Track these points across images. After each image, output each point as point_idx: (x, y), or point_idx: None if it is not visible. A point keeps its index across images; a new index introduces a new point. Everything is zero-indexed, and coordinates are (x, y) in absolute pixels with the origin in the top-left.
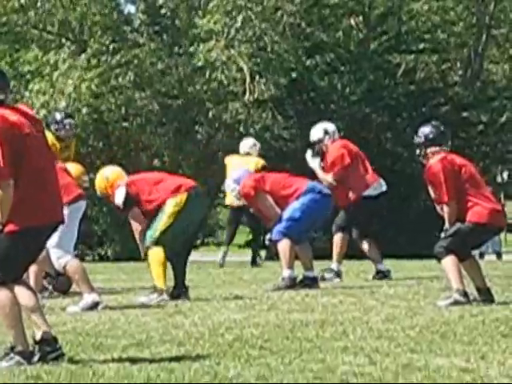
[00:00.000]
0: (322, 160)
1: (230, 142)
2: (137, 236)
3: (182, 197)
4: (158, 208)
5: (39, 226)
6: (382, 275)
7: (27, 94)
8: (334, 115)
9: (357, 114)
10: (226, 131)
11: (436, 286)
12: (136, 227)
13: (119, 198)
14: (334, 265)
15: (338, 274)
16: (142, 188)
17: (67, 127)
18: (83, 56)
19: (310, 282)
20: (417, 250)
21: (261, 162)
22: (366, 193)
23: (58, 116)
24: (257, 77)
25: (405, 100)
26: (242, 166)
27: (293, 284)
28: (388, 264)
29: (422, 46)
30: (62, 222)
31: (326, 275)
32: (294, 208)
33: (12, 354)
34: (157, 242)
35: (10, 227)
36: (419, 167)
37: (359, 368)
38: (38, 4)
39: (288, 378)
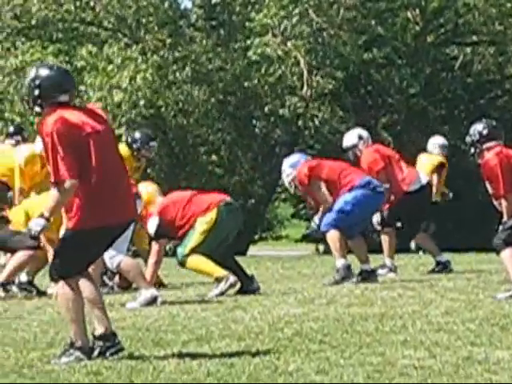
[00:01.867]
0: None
1: (288, 136)
2: (150, 267)
3: (212, 214)
4: (190, 228)
5: (107, 226)
6: (443, 266)
7: (83, 88)
8: (392, 108)
9: (414, 107)
10: (283, 126)
11: (495, 279)
12: (153, 257)
13: (151, 228)
14: (386, 260)
15: (391, 269)
16: (174, 214)
17: (151, 149)
18: (137, 47)
19: (368, 275)
20: (476, 244)
21: (438, 159)
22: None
23: (144, 137)
24: (314, 71)
25: (462, 93)
26: (423, 163)
27: (348, 273)
28: (447, 257)
29: (478, 38)
30: (134, 220)
31: (380, 271)
32: (345, 200)
33: (72, 350)
34: (188, 255)
35: (78, 225)
36: (477, 159)
37: (419, 361)
38: (92, 3)
39: (348, 371)
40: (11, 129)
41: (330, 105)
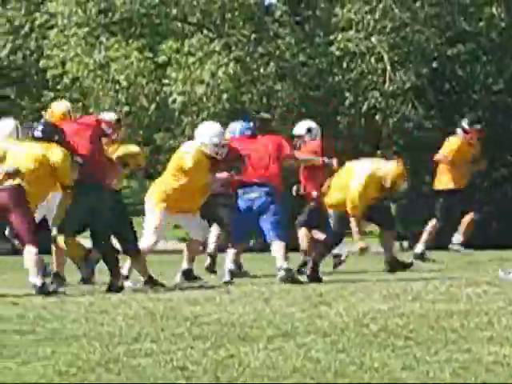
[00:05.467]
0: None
1: (370, 133)
2: None
3: None
4: None
5: None
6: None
7: (167, 81)
8: (476, 105)
9: (499, 104)
10: (365, 121)
11: None
12: None
13: None
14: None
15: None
16: None
17: None
18: (220, 41)
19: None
20: None
21: None
22: None
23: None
24: (397, 66)
25: None
26: None
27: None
28: None
29: None
30: None
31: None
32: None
33: None
34: None
35: None
36: None
37: (505, 358)
38: None
39: (434, 368)
40: None
41: (412, 101)
